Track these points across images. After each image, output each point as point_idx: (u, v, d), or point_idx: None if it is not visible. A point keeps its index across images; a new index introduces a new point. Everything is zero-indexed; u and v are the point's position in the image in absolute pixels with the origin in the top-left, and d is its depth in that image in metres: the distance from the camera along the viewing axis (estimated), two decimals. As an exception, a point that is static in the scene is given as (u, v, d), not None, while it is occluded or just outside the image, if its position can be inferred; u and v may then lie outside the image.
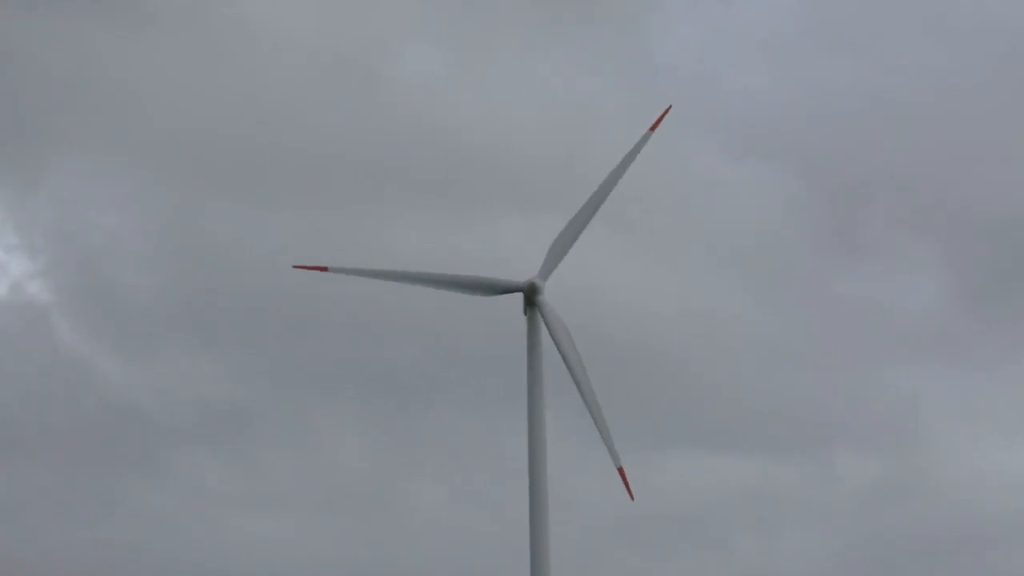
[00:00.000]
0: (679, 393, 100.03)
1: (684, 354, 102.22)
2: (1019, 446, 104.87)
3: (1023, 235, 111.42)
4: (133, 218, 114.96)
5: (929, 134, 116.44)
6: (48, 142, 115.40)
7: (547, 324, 55.93)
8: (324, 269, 56.40)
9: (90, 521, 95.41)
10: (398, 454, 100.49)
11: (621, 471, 54.33)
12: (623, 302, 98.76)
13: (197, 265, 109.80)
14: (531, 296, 56.20)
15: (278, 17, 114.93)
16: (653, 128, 57.82)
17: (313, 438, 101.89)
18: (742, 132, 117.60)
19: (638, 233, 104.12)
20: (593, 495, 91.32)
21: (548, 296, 56.42)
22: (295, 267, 56.50)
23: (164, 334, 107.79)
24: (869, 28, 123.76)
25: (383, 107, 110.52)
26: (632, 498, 54.20)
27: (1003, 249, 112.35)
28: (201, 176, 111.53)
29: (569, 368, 55.46)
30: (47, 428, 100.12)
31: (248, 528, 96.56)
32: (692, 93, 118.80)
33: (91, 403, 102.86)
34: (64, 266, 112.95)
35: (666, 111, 57.63)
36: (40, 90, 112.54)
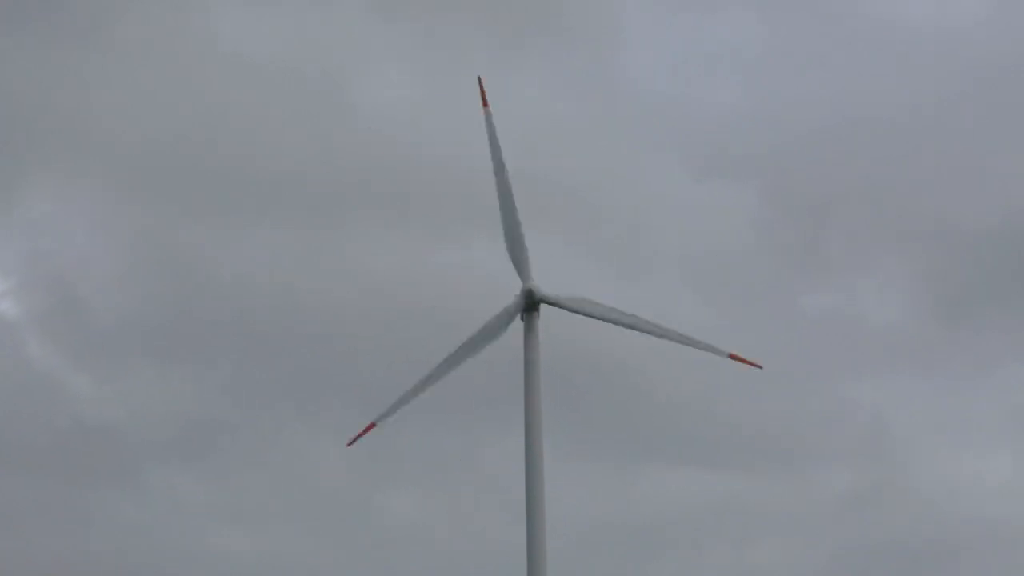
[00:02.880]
0: (652, 410, 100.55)
1: (656, 372, 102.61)
2: (989, 456, 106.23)
3: (989, 248, 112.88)
4: (104, 238, 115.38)
5: (893, 150, 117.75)
6: (19, 163, 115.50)
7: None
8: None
9: (67, 536, 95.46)
10: (374, 467, 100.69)
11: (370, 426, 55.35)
12: (593, 320, 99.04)
13: (169, 283, 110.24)
14: (530, 302, 56.46)
15: (246, 40, 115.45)
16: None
17: (289, 452, 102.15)
18: (708, 150, 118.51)
19: (606, 251, 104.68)
20: (571, 504, 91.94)
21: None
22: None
23: (137, 351, 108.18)
24: (834, 47, 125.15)
25: (351, 128, 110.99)
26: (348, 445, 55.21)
27: (969, 262, 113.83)
28: (172, 196, 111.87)
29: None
30: (22, 445, 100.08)
31: (225, 542, 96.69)
32: (659, 112, 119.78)
33: (65, 420, 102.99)
34: (35, 285, 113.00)
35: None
36: (10, 112, 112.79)
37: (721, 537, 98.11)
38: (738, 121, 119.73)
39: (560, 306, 56.36)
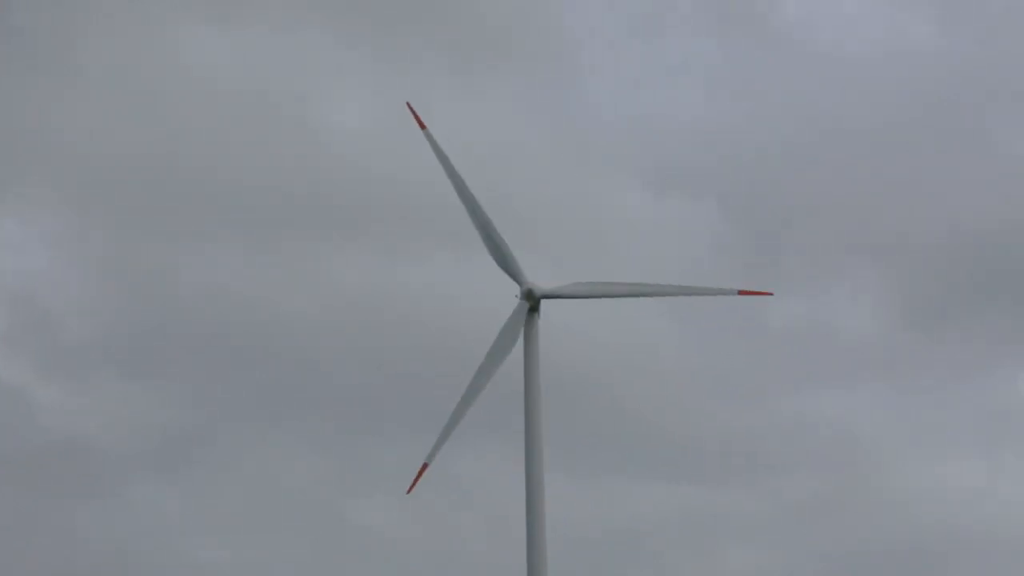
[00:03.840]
0: (622, 422, 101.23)
1: (625, 388, 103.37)
2: (958, 465, 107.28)
3: (952, 260, 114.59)
4: (72, 254, 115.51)
5: (849, 165, 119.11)
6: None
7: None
8: (423, 127, 56.20)
9: (43, 549, 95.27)
10: (349, 477, 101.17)
11: (424, 467, 55.40)
12: (562, 339, 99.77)
13: (138, 299, 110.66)
14: (529, 299, 56.78)
15: (210, 62, 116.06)
16: None
17: (262, 463, 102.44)
18: (667, 167, 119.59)
19: (569, 269, 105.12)
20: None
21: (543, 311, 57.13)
22: (407, 103, 55.92)
23: (108, 365, 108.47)
24: (789, 66, 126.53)
25: (314, 147, 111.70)
26: (408, 492, 55.32)
27: (933, 273, 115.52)
28: (138, 213, 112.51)
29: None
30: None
31: (201, 553, 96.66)
32: (617, 131, 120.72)
33: (39, 435, 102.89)
34: (3, 302, 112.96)
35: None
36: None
37: (690, 548, 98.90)
38: (696, 137, 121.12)
39: (561, 296, 56.62)
